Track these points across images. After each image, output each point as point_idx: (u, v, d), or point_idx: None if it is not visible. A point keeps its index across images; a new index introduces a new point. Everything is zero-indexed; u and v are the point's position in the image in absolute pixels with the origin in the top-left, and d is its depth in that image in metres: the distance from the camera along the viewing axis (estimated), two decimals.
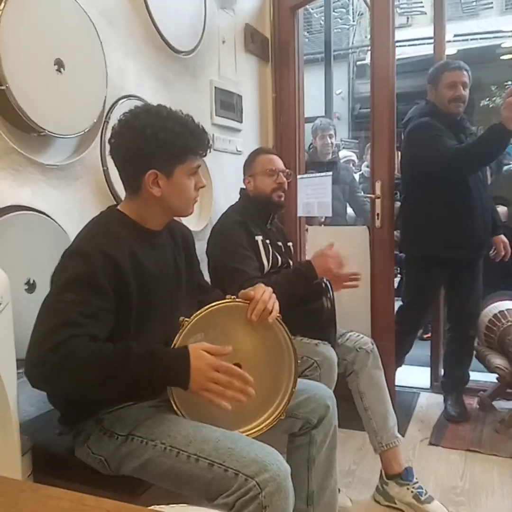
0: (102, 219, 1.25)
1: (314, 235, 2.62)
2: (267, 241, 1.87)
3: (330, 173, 2.51)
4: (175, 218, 1.37)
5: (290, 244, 2.05)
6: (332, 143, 3.52)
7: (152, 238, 1.28)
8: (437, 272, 2.37)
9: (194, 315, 1.16)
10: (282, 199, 1.94)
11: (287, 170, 1.98)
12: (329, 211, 2.38)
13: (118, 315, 1.13)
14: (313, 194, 2.42)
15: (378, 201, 2.32)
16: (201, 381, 1.06)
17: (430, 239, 2.29)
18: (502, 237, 2.51)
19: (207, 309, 1.17)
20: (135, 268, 1.17)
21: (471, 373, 2.89)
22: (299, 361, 1.61)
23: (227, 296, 1.24)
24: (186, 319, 1.15)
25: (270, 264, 1.83)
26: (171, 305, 1.27)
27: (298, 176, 2.61)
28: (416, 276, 2.43)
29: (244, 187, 2.01)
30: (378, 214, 2.32)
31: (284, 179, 1.94)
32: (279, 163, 1.96)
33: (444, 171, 2.20)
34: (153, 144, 1.18)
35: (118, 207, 1.28)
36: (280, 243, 1.93)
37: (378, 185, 2.32)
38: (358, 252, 2.34)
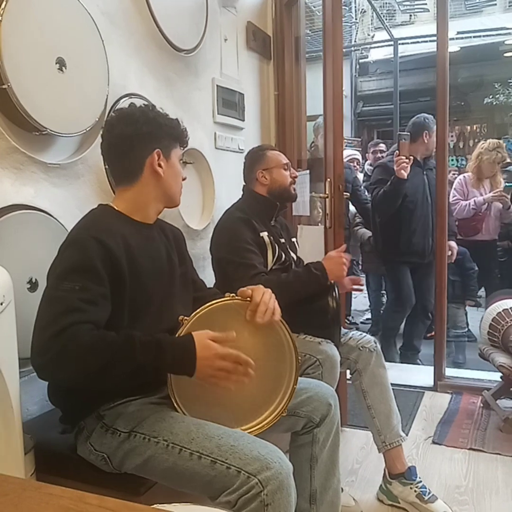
0: (94, 214, 1.26)
1: (299, 234, 2.60)
2: (271, 238, 1.86)
3: (308, 171, 2.46)
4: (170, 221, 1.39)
5: (294, 239, 2.05)
6: None
7: (144, 230, 1.29)
8: (405, 270, 3.28)
9: (194, 313, 1.15)
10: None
11: None
12: (306, 210, 2.35)
13: (112, 304, 1.13)
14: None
15: (327, 201, 2.22)
16: (207, 371, 1.07)
17: (398, 249, 3.19)
18: (449, 242, 3.07)
19: (206, 307, 1.17)
20: (128, 256, 1.17)
21: (474, 372, 2.89)
22: (301, 359, 1.62)
23: (226, 294, 1.23)
24: (186, 317, 1.14)
25: (274, 260, 1.83)
26: (165, 297, 1.27)
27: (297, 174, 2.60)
28: (397, 274, 3.31)
29: (245, 184, 2.01)
30: (327, 214, 2.23)
31: (296, 172, 2.02)
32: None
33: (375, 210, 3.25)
34: (155, 126, 1.26)
35: (109, 203, 1.30)
36: (283, 240, 1.93)
37: (327, 184, 2.22)
38: (318, 251, 2.30)
